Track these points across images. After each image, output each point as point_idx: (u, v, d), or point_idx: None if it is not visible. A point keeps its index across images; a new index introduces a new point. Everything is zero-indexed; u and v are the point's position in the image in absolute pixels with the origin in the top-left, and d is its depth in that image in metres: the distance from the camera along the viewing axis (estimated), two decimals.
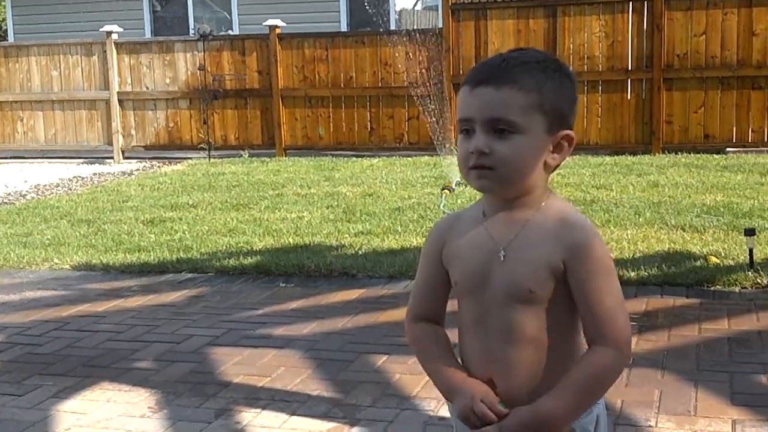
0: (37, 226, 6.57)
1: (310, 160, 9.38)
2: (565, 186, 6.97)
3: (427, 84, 8.75)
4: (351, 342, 3.72)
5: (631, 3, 8.89)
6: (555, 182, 6.92)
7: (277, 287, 4.66)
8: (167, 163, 10.22)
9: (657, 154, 8.70)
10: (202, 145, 10.10)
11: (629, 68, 8.97)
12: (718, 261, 4.55)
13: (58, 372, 3.50)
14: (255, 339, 3.82)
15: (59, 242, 5.87)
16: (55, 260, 5.38)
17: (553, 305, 1.46)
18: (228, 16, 13.55)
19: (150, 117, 10.58)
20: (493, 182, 1.46)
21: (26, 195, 8.41)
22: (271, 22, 10.00)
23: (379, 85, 9.73)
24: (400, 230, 5.69)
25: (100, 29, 10.66)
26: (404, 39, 9.20)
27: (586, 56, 9.05)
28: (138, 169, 9.87)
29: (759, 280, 4.23)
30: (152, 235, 5.96)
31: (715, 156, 8.36)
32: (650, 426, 2.78)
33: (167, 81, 10.46)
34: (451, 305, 1.58)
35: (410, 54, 9.14)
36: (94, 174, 9.68)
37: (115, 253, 5.48)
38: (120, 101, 10.60)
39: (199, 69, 10.17)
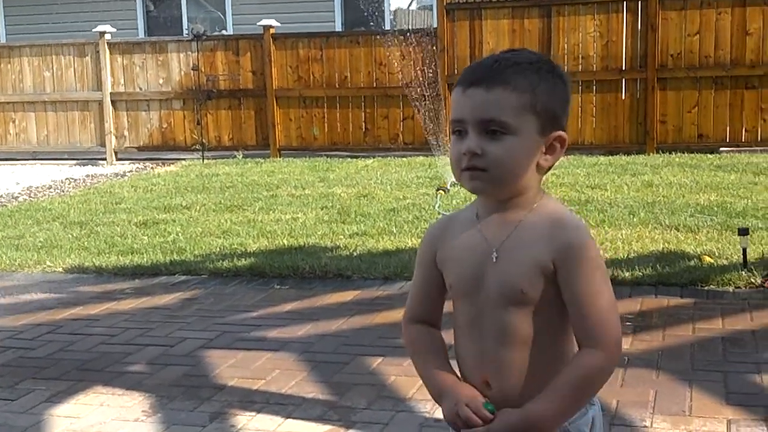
0: (29, 228, 6.54)
1: (305, 161, 9.36)
2: (559, 186, 6.97)
3: (422, 84, 8.74)
4: (346, 344, 3.71)
5: (625, 3, 8.90)
6: (549, 182, 6.92)
7: (271, 289, 4.64)
8: (160, 164, 10.19)
9: (651, 153, 8.71)
10: (195, 146, 10.06)
11: (623, 68, 8.98)
12: (711, 261, 4.56)
13: (51, 376, 3.48)
14: (249, 341, 3.80)
15: (52, 245, 5.84)
16: (48, 263, 5.35)
17: (547, 306, 1.45)
18: (222, 16, 13.52)
19: (143, 118, 10.54)
20: (486, 183, 1.45)
21: (18, 197, 8.38)
22: (265, 22, 9.99)
23: (374, 85, 9.71)
24: (395, 231, 5.68)
25: (93, 29, 10.63)
26: (399, 39, 9.19)
27: (580, 56, 9.06)
28: (131, 171, 9.83)
29: (752, 280, 4.24)
30: (145, 237, 5.94)
31: (709, 156, 8.38)
32: (645, 426, 2.78)
33: (160, 81, 10.42)
34: (448, 306, 1.58)
35: (405, 54, 9.13)
36: (87, 175, 9.64)
37: (108, 255, 5.46)
38: (113, 102, 10.56)
39: (192, 69, 10.13)
